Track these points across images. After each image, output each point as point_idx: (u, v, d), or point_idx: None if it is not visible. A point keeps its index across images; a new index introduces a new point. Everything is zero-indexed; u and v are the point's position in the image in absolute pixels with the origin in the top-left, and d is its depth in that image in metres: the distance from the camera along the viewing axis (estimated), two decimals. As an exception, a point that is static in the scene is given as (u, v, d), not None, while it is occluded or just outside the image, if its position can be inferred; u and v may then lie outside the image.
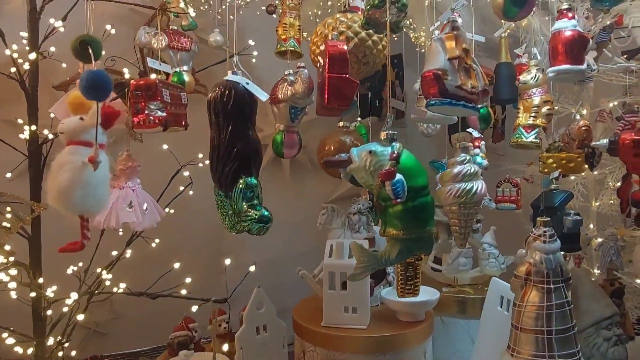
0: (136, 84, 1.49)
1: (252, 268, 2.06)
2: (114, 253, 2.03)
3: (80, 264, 1.96)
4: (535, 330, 1.35)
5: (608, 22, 2.29)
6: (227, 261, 1.99)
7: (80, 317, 1.70)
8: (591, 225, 2.61)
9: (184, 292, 2.01)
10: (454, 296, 2.30)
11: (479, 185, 1.48)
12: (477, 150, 2.29)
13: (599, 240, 2.46)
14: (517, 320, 1.39)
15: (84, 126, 1.31)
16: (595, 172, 2.57)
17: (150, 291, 2.03)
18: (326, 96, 1.50)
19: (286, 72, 1.58)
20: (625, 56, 2.36)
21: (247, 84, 1.25)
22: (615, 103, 2.48)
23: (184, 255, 2.24)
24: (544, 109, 1.74)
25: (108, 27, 1.82)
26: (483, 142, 2.36)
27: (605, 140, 1.82)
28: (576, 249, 1.98)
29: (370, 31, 1.57)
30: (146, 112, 1.47)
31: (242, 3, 2.38)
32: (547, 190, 1.98)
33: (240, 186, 1.26)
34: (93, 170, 1.23)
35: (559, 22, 1.60)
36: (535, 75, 1.74)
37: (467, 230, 1.57)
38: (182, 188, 2.16)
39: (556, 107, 2.59)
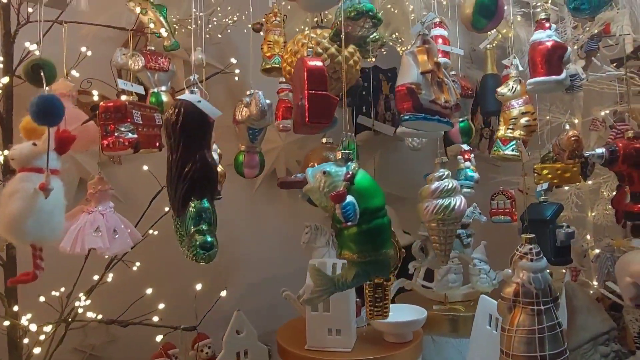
0: (105, 105, 1.46)
1: (223, 293, 2.02)
2: (96, 277, 1.99)
3: (63, 289, 1.93)
4: (528, 357, 1.28)
5: (596, 31, 2.26)
6: (198, 286, 1.95)
7: (37, 350, 1.64)
8: (588, 237, 2.55)
9: (156, 319, 1.97)
10: (445, 314, 2.24)
11: (457, 201, 1.44)
12: (467, 163, 2.25)
13: (596, 251, 2.40)
14: (508, 347, 1.31)
15: (36, 152, 1.25)
16: (590, 182, 2.52)
17: (128, 317, 1.98)
18: (307, 114, 1.46)
19: (247, 93, 1.55)
20: (614, 64, 2.33)
21: (199, 102, 1.20)
22: (607, 112, 2.44)
23: (169, 279, 2.19)
24: (522, 120, 1.69)
25: (83, 49, 1.81)
26: (473, 155, 2.32)
27: (601, 150, 1.74)
28: (568, 261, 1.93)
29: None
30: (115, 134, 1.43)
31: (229, 22, 2.37)
32: (535, 203, 1.93)
33: (192, 209, 1.21)
34: (44, 198, 1.18)
35: (537, 33, 1.58)
36: (512, 87, 1.70)
37: (448, 247, 1.53)
38: (167, 209, 2.12)
39: (547, 117, 2.56)
